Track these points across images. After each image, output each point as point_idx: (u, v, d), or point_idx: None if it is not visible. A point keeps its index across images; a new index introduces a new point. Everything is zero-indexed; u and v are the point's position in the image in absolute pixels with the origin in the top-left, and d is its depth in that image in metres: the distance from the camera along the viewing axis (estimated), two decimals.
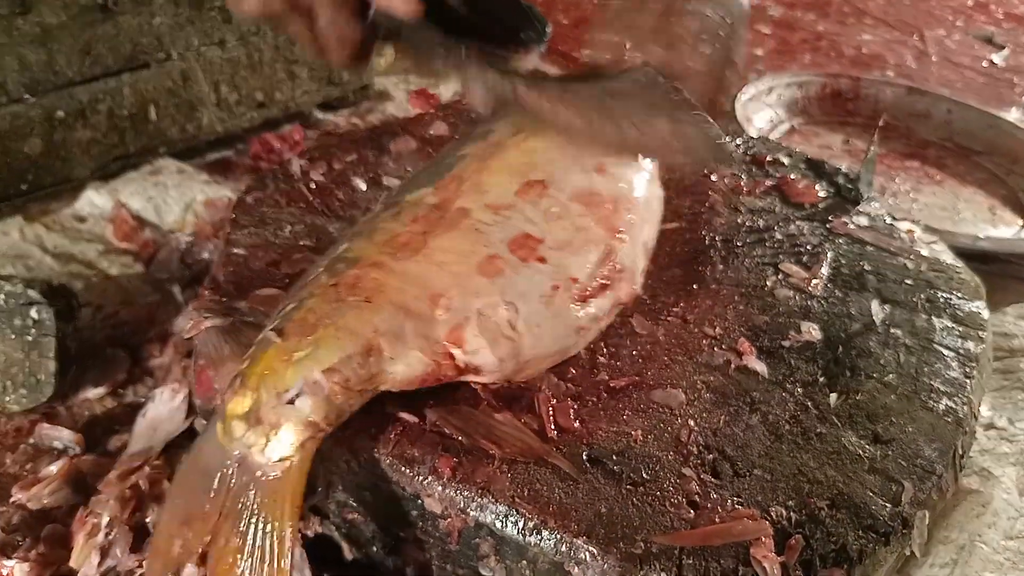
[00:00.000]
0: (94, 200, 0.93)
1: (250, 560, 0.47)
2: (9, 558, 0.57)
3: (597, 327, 0.60)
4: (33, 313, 0.67)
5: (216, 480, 0.49)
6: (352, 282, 0.53)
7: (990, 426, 0.77)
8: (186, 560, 0.48)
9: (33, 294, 0.67)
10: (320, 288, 0.53)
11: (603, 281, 0.58)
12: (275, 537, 0.47)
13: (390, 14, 0.60)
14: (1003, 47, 1.81)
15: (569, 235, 0.58)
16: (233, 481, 0.49)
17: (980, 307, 0.70)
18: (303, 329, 0.51)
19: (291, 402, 0.49)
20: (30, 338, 0.67)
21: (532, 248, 0.56)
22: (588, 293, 0.57)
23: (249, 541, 0.47)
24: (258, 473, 0.48)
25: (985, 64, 1.73)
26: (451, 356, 0.52)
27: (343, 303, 0.52)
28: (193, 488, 0.50)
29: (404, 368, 0.51)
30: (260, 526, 0.47)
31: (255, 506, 0.48)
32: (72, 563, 0.57)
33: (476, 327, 0.52)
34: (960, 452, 0.59)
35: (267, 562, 0.47)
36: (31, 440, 0.67)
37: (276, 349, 0.50)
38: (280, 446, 0.48)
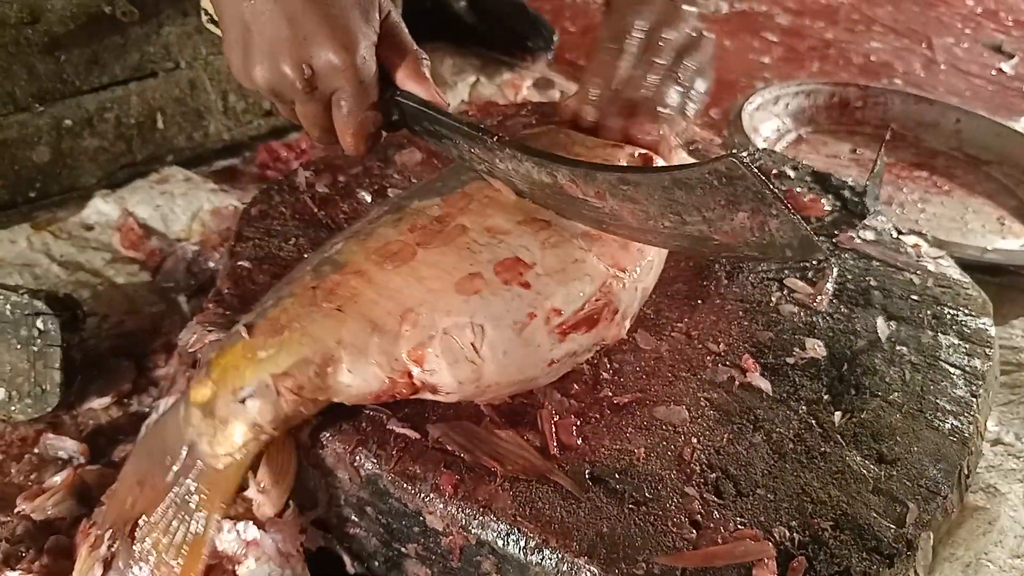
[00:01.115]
0: (101, 208, 0.93)
1: (167, 538, 0.51)
2: (13, 569, 0.57)
3: (571, 362, 0.58)
4: (39, 324, 0.67)
5: (169, 456, 0.53)
6: (330, 287, 0.53)
7: (997, 441, 0.76)
8: (134, 517, 0.52)
9: (39, 305, 0.67)
10: (300, 288, 0.54)
11: (589, 317, 0.55)
12: (197, 524, 0.51)
13: (412, 96, 0.59)
14: (1012, 55, 1.80)
15: (563, 264, 0.55)
16: (181, 462, 0.52)
17: (987, 324, 0.69)
18: (272, 329, 0.52)
19: (243, 401, 0.51)
20: (36, 348, 0.67)
21: (519, 272, 0.54)
22: (568, 327, 0.54)
23: (174, 521, 0.51)
24: (200, 461, 0.51)
25: (994, 72, 1.72)
26: (409, 374, 0.52)
27: (316, 308, 0.52)
28: (152, 455, 0.54)
29: (360, 383, 0.52)
30: (188, 509, 0.51)
31: (190, 489, 0.51)
32: (75, 575, 0.57)
33: (439, 347, 0.52)
34: (966, 472, 0.59)
35: (180, 545, 0.50)
36: (36, 450, 0.68)
37: (243, 345, 0.52)
38: (226, 442, 0.51)
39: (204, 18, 0.65)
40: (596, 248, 0.56)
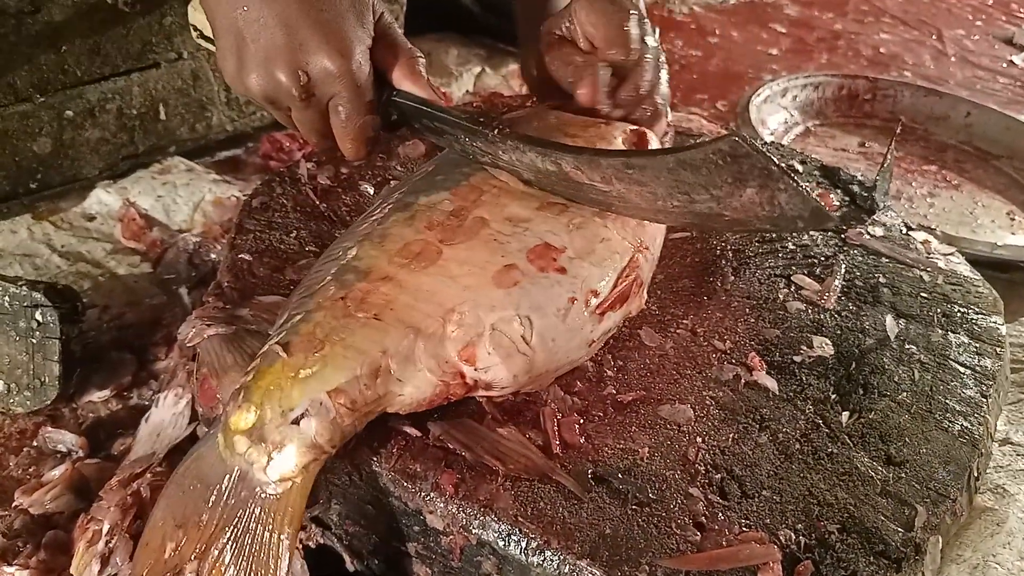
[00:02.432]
0: (103, 199, 0.93)
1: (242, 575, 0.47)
2: (10, 564, 0.57)
3: (604, 339, 0.59)
4: (38, 315, 0.67)
5: (215, 491, 0.49)
6: (361, 296, 0.52)
7: (1006, 441, 0.75)
8: (180, 565, 0.48)
9: (38, 296, 0.67)
10: (328, 301, 0.52)
11: (622, 294, 0.56)
12: (270, 555, 0.47)
13: (409, 95, 0.59)
14: None
15: (591, 244, 0.56)
16: (232, 495, 0.48)
17: (998, 322, 0.68)
18: (310, 345, 0.50)
19: (296, 422, 0.48)
20: (35, 340, 0.67)
21: (552, 258, 0.54)
22: (606, 306, 0.55)
23: (244, 558, 0.47)
24: (258, 490, 0.48)
25: (1005, 65, 1.70)
26: (461, 374, 0.51)
27: (352, 319, 0.51)
28: (191, 494, 0.49)
29: (412, 390, 0.50)
30: (256, 544, 0.47)
31: (253, 523, 0.47)
32: (72, 570, 0.56)
33: (489, 343, 0.51)
34: (975, 474, 0.58)
35: None
36: (35, 443, 0.67)
37: (282, 365, 0.49)
38: (283, 466, 0.48)
39: (195, 34, 0.65)
40: (617, 224, 0.57)
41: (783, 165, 0.45)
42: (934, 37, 1.79)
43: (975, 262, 0.78)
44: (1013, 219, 1.19)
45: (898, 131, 1.05)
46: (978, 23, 1.89)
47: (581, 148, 0.54)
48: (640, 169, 0.51)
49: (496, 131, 0.55)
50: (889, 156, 0.82)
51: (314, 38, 0.54)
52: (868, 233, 0.76)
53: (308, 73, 0.55)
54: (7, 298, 0.67)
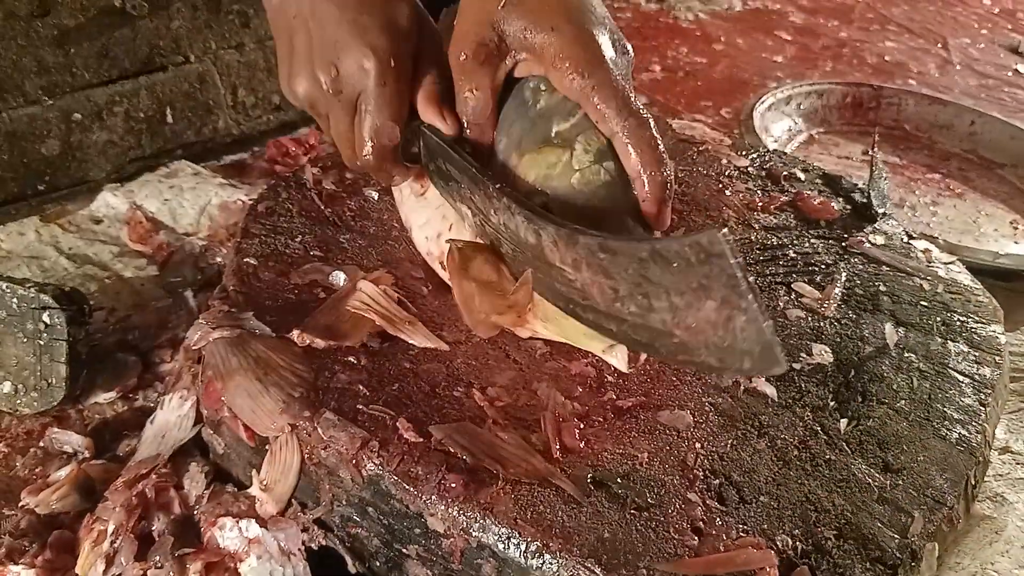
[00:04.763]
0: (110, 202, 0.93)
1: None
2: (16, 563, 0.58)
3: None
4: (45, 318, 0.67)
5: None
6: None
7: (1005, 450, 0.76)
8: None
9: (45, 299, 0.67)
10: None
11: None
12: None
13: (436, 131, 0.58)
14: None
15: None
16: None
17: (997, 331, 0.69)
18: None
19: None
20: (42, 342, 0.67)
21: None
22: None
23: None
24: None
25: (1010, 74, 1.70)
26: None
27: None
28: None
29: None
30: None
31: None
32: (77, 570, 0.57)
33: None
34: (973, 482, 0.58)
35: None
36: (41, 444, 0.68)
37: None
38: None
39: None
40: None
41: (753, 284, 0.42)
42: (939, 45, 1.79)
43: (978, 271, 0.78)
44: (1016, 228, 1.19)
45: (876, 138, 1.06)
46: (983, 31, 1.89)
47: (565, 223, 0.50)
48: (612, 254, 0.47)
49: (497, 187, 0.54)
50: (875, 166, 0.83)
51: (349, 35, 0.55)
52: (869, 241, 0.76)
53: (339, 68, 0.55)
54: (15, 300, 0.67)
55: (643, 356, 0.55)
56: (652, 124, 0.54)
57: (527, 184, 0.56)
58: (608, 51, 0.55)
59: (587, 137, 0.55)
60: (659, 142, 0.54)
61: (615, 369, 0.60)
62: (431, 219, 0.65)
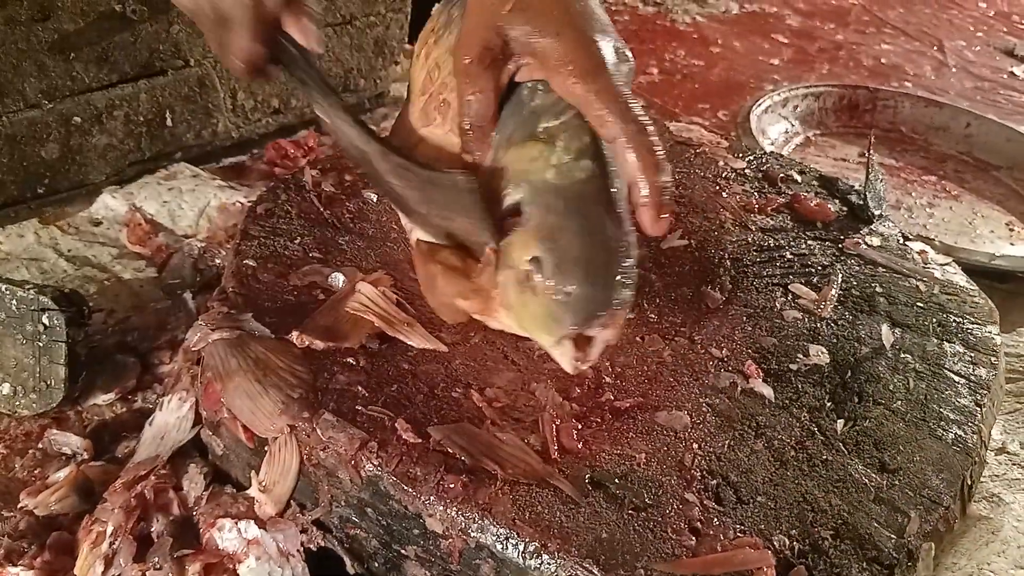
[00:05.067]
0: (109, 204, 0.94)
1: None
2: (15, 565, 0.58)
3: None
4: (44, 319, 0.67)
5: None
6: None
7: (1002, 451, 0.76)
8: None
9: (45, 300, 0.67)
10: None
11: None
12: None
13: (293, 42, 0.61)
14: None
15: None
16: None
17: (993, 332, 0.69)
18: None
19: None
20: (41, 344, 0.68)
21: None
22: None
23: None
24: None
25: (1006, 76, 1.71)
26: None
27: None
28: None
29: None
30: None
31: None
32: (76, 571, 0.57)
33: None
34: (969, 482, 0.58)
35: None
36: (40, 445, 0.68)
37: None
38: None
39: None
40: None
41: (499, 213, 0.55)
42: (935, 48, 1.80)
43: (974, 272, 0.79)
44: (1012, 230, 1.20)
45: (872, 140, 1.06)
46: (979, 34, 1.90)
47: (384, 139, 0.61)
48: (408, 171, 0.59)
49: (338, 100, 0.61)
50: (871, 168, 0.83)
51: None
52: (865, 243, 0.76)
53: None
54: (14, 302, 0.67)
55: (588, 361, 0.55)
56: (652, 130, 0.54)
57: (505, 177, 0.58)
58: (610, 57, 0.55)
59: (571, 135, 0.56)
60: (659, 148, 0.54)
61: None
62: None
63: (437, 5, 0.67)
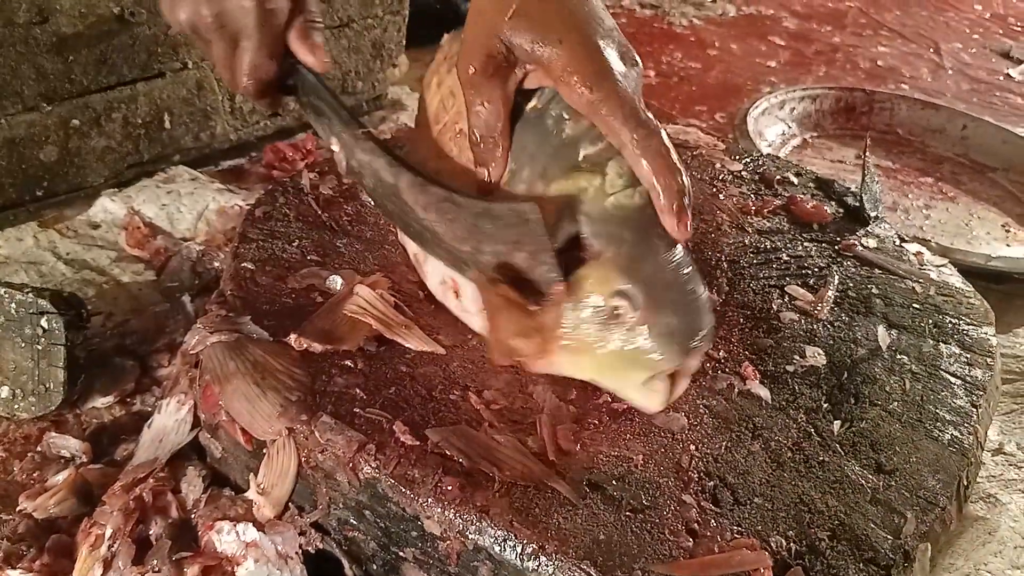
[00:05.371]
0: (108, 207, 0.94)
1: None
2: (14, 568, 0.58)
3: None
4: (43, 322, 0.68)
5: None
6: None
7: (998, 451, 0.76)
8: None
9: (43, 304, 0.68)
10: None
11: None
12: None
13: (304, 66, 0.61)
14: (1021, 61, 1.80)
15: None
16: None
17: (989, 333, 0.69)
18: None
19: None
20: (40, 347, 0.68)
21: None
22: None
23: None
24: None
25: (1002, 78, 1.72)
26: None
27: None
28: None
29: None
30: None
31: None
32: (75, 574, 0.57)
33: None
34: (965, 483, 0.59)
35: None
36: (39, 448, 0.68)
37: None
38: None
39: None
40: None
41: (556, 246, 0.53)
42: (932, 50, 1.80)
43: (970, 274, 0.79)
44: (1008, 231, 1.20)
45: (868, 142, 1.07)
46: (975, 36, 1.90)
47: (419, 171, 0.57)
48: (454, 205, 0.56)
49: (363, 131, 0.59)
50: (867, 170, 0.84)
51: None
52: (862, 245, 0.77)
53: (222, 5, 0.57)
54: (13, 305, 0.68)
55: (677, 392, 0.54)
56: (663, 134, 0.53)
57: (555, 209, 0.55)
58: (616, 64, 0.54)
59: (619, 161, 0.54)
60: (671, 151, 0.53)
61: None
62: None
63: (448, 33, 0.65)
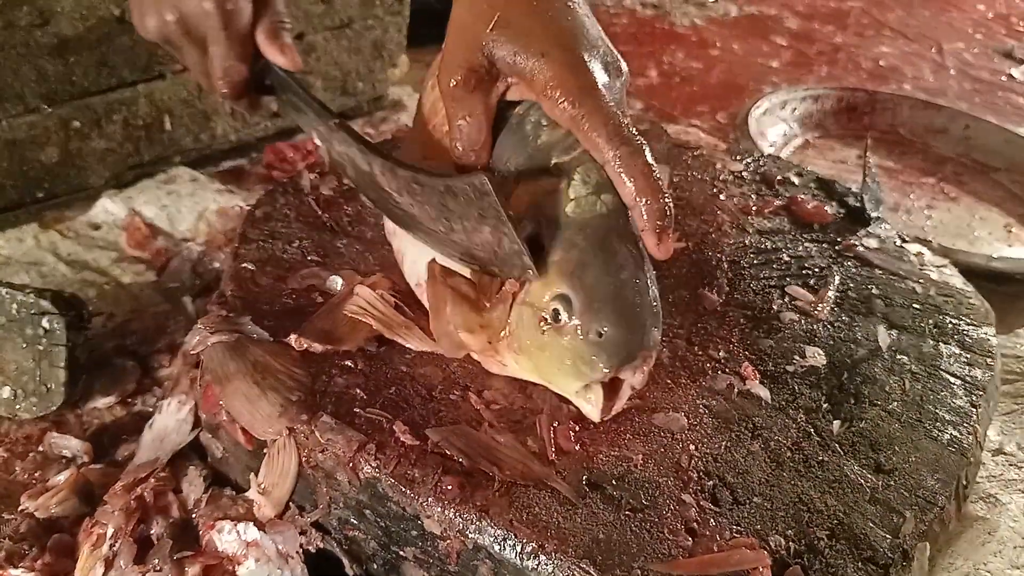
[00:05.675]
0: (108, 208, 0.94)
1: None
2: (15, 567, 0.58)
3: None
4: (44, 323, 0.68)
5: None
6: None
7: (999, 451, 0.76)
8: None
9: (45, 304, 0.68)
10: None
11: None
12: None
13: (275, 66, 0.61)
14: (1023, 61, 1.79)
15: None
16: None
17: (989, 333, 0.69)
18: None
19: None
20: (41, 347, 0.68)
21: None
22: None
23: None
24: None
25: (1004, 78, 1.71)
26: None
27: None
28: None
29: None
30: None
31: None
32: (77, 574, 0.57)
33: None
34: (964, 483, 0.59)
35: None
36: (40, 448, 0.68)
37: None
38: None
39: None
40: None
41: (510, 213, 0.51)
42: (934, 50, 1.80)
43: (972, 274, 0.79)
44: (1010, 231, 1.20)
45: (869, 142, 1.07)
46: (978, 36, 1.90)
47: (389, 155, 0.57)
48: (421, 187, 0.55)
49: (336, 120, 0.59)
50: (868, 170, 0.84)
51: None
52: (862, 245, 0.77)
53: (181, 10, 0.58)
54: (14, 306, 0.68)
55: (615, 409, 0.53)
56: (647, 151, 0.52)
57: (519, 210, 0.54)
58: (600, 76, 0.53)
59: (587, 169, 0.54)
60: (654, 169, 0.52)
61: None
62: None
63: None
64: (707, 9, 1.85)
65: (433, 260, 0.58)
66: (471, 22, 0.55)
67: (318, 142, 0.62)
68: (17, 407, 0.68)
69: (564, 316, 0.51)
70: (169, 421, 0.66)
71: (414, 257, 0.62)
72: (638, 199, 0.52)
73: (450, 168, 0.59)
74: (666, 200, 0.52)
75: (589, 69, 0.53)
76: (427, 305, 0.61)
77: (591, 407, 0.52)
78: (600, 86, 0.53)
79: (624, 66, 0.56)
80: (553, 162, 0.55)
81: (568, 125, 0.53)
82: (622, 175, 0.52)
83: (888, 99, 1.42)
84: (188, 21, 0.58)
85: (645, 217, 0.52)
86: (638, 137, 0.53)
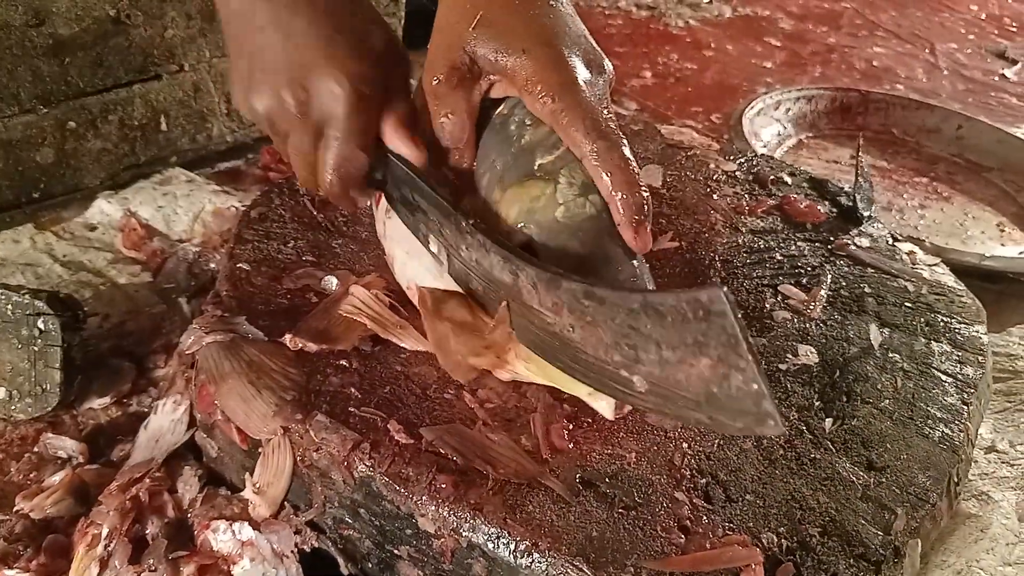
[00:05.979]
0: (104, 209, 0.94)
1: None
2: (10, 568, 0.58)
3: None
4: (40, 324, 0.68)
5: None
6: None
7: (991, 449, 0.76)
8: None
9: (40, 305, 0.68)
10: None
11: None
12: None
13: (404, 159, 0.55)
14: (1016, 61, 1.80)
15: None
16: None
17: (980, 331, 0.70)
18: None
19: None
20: (36, 348, 0.68)
21: None
22: None
23: None
24: None
25: (997, 78, 1.72)
26: None
27: None
28: None
29: None
30: None
31: None
32: (72, 574, 0.57)
33: None
34: (955, 480, 0.59)
35: None
36: (36, 449, 0.68)
37: None
38: None
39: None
40: None
41: (752, 344, 0.39)
42: (927, 51, 1.81)
43: (965, 273, 0.79)
44: (1003, 231, 1.20)
45: (861, 142, 1.07)
46: (971, 37, 1.91)
47: (547, 266, 0.49)
48: (600, 302, 0.45)
49: (468, 223, 0.52)
50: (861, 169, 0.84)
51: (323, 57, 0.52)
52: (855, 243, 0.77)
53: (308, 89, 0.53)
54: (10, 306, 0.68)
55: (628, 407, 0.53)
56: (624, 145, 0.52)
57: (509, 218, 0.54)
58: (582, 73, 0.53)
59: (571, 170, 0.53)
60: (631, 163, 0.52)
61: None
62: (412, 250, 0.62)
63: None
64: (701, 10, 1.86)
65: (421, 292, 0.56)
66: (454, 21, 0.55)
67: (434, 250, 0.56)
68: (12, 408, 0.69)
69: None
70: (164, 421, 0.66)
71: (404, 260, 0.63)
72: (614, 193, 0.52)
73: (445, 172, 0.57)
74: (643, 193, 0.52)
75: (570, 65, 0.53)
76: (418, 307, 0.61)
77: (605, 404, 0.53)
78: (580, 82, 0.53)
79: (608, 64, 0.56)
80: (538, 163, 0.55)
81: (548, 120, 0.53)
82: (599, 169, 0.52)
83: (881, 99, 1.43)
84: (311, 104, 0.52)
85: (622, 211, 0.52)
86: (616, 132, 0.53)
